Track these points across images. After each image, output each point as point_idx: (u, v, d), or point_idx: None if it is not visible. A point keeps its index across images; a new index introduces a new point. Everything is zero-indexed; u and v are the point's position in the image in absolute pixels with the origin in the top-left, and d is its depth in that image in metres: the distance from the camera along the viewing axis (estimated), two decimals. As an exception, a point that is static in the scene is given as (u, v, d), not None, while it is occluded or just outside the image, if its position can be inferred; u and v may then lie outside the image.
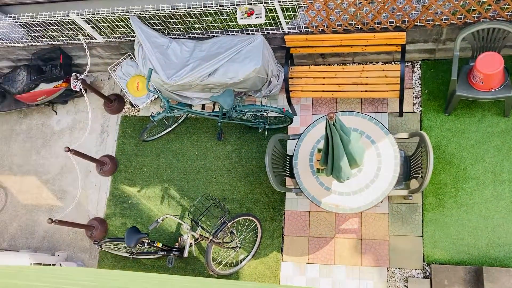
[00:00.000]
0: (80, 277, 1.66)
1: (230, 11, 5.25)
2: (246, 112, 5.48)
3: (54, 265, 5.65)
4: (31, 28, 5.90)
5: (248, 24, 5.34)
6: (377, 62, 5.82)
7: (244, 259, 5.46)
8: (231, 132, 6.02)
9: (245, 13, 4.91)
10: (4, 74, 6.31)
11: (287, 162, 5.23)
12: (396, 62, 5.77)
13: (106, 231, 5.98)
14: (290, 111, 5.72)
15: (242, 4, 4.89)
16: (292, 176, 5.09)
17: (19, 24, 5.89)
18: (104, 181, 6.22)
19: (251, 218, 5.31)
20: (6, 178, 6.59)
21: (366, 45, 5.26)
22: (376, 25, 5.09)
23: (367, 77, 5.36)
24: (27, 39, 6.12)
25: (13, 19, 5.61)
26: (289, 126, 5.85)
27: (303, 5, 5.07)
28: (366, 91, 5.30)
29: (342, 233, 5.32)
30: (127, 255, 5.54)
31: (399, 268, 5.08)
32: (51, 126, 6.71)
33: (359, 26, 5.17)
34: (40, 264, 5.59)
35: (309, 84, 5.47)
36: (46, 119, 6.76)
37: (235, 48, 5.19)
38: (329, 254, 5.28)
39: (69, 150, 5.32)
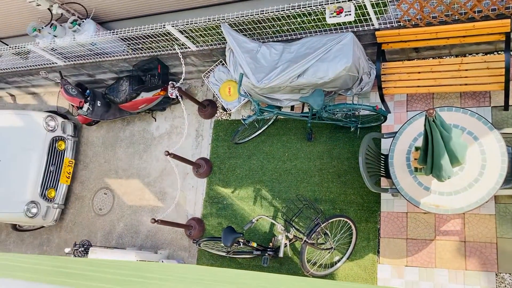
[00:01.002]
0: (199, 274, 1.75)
1: (318, 11, 5.23)
2: (337, 111, 5.41)
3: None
4: (131, 41, 6.35)
5: (337, 23, 5.27)
6: (477, 53, 5.44)
7: (339, 260, 5.39)
8: (321, 132, 5.99)
9: (334, 11, 4.86)
10: (109, 86, 6.85)
11: (382, 162, 5.08)
12: (499, 52, 5.35)
13: (203, 231, 6.24)
14: (383, 108, 5.55)
15: (331, 3, 4.85)
16: (387, 176, 4.93)
17: (121, 39, 6.37)
18: (200, 182, 6.50)
19: (345, 219, 5.23)
20: (113, 181, 7.15)
21: (464, 36, 4.95)
22: (476, 14, 4.76)
23: (466, 70, 5.03)
24: (128, 52, 6.60)
25: (115, 34, 6.08)
26: (382, 125, 5.67)
27: (394, -1, 4.90)
28: (466, 84, 4.98)
29: (442, 235, 5.05)
30: (224, 254, 5.74)
31: (510, 274, 4.69)
32: (151, 132, 7.16)
33: (456, 17, 4.87)
34: (145, 261, 5.98)
35: (403, 80, 5.26)
36: (146, 125, 7.23)
37: (324, 48, 5.16)
38: (429, 256, 5.03)
39: (169, 154, 5.63)
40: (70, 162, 7.30)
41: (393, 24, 5.13)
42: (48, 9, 6.43)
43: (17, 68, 7.42)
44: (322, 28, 5.45)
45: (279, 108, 6.02)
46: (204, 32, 5.84)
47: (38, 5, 6.22)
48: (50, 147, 7.08)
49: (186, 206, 6.49)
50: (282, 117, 6.17)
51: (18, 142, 7.00)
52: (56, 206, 7.06)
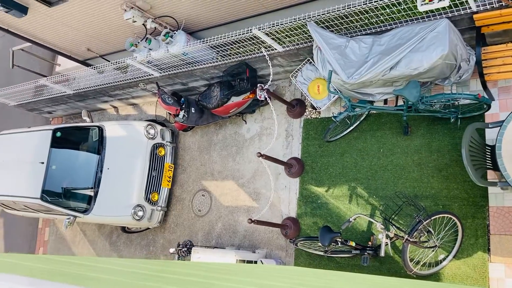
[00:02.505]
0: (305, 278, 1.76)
1: (408, 0, 5.00)
2: (434, 102, 5.14)
3: (256, 262, 6.15)
4: (220, 48, 6.56)
5: (429, 10, 5.00)
6: None
7: (444, 259, 5.11)
8: (418, 125, 5.72)
9: (426, -2, 4.61)
10: (201, 93, 7.14)
11: (488, 153, 4.73)
12: None
13: (299, 230, 6.26)
14: (486, 96, 5.16)
15: (422, -10, 4.61)
16: (495, 168, 4.58)
17: (210, 47, 6.60)
18: (293, 182, 6.53)
19: (450, 215, 4.95)
20: (209, 183, 7.44)
21: None
22: None
23: None
24: (217, 59, 6.82)
25: (205, 43, 6.32)
26: (486, 113, 5.28)
27: (494, -23, 4.53)
28: None
29: None
30: (321, 253, 5.71)
31: None
32: (242, 135, 7.34)
33: None
34: (244, 261, 6.15)
35: (508, 64, 4.86)
36: (237, 128, 7.43)
37: (417, 37, 4.92)
38: (550, 255, 4.59)
39: (261, 155, 5.73)
40: (170, 166, 7.73)
41: (493, 5, 4.75)
42: (143, 24, 6.85)
43: (118, 81, 8.01)
44: (414, 16, 5.20)
45: (372, 102, 5.85)
46: (290, 32, 5.86)
47: (134, 22, 6.66)
48: (152, 154, 7.55)
49: (281, 206, 6.55)
50: (375, 112, 5.99)
51: (123, 151, 7.56)
52: (159, 208, 7.52)
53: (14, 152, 8.21)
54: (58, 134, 7.86)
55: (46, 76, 9.06)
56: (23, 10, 6.93)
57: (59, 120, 10.14)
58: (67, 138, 7.88)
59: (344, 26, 5.59)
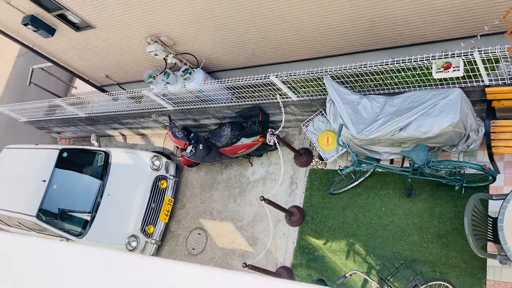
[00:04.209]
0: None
1: (423, 66, 5.17)
2: (440, 168, 5.20)
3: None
4: (236, 90, 6.72)
5: (443, 78, 5.16)
6: None
7: (437, 328, 5.00)
8: (422, 188, 5.75)
9: (442, 67, 4.78)
10: (212, 130, 7.24)
11: (489, 225, 4.73)
12: None
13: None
14: (492, 168, 5.23)
15: (438, 58, 4.79)
16: (496, 241, 4.57)
17: (227, 87, 6.76)
18: (292, 231, 6.49)
19: (446, 284, 4.88)
20: (207, 222, 7.39)
21: None
22: None
23: None
24: (232, 100, 6.97)
25: (222, 83, 6.49)
26: (490, 185, 5.32)
27: (508, 56, 4.70)
28: None
29: None
30: (313, 307, 5.59)
31: None
32: (247, 177, 7.37)
33: None
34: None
35: (515, 139, 4.95)
36: (243, 170, 7.47)
37: (429, 102, 5.05)
38: (546, 337, 4.49)
39: (264, 199, 5.74)
40: (170, 200, 7.71)
41: (506, 81, 4.90)
42: (164, 58, 7.06)
43: (131, 110, 8.14)
44: (427, 82, 5.36)
45: (378, 160, 5.92)
46: (306, 83, 6.02)
47: (156, 55, 6.87)
48: (154, 185, 7.56)
49: (277, 254, 6.48)
50: (380, 170, 6.04)
51: (126, 178, 7.57)
52: (153, 242, 7.44)
53: (18, 167, 8.23)
54: (65, 154, 7.91)
55: (60, 97, 9.23)
56: (51, 31, 7.17)
57: (67, 141, 10.22)
58: (73, 160, 7.92)
59: (358, 84, 5.75)
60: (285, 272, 6.16)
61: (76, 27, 7.05)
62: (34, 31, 7.12)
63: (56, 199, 7.55)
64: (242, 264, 5.53)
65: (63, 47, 7.78)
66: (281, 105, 6.34)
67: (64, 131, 9.86)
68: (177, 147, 7.59)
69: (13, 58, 12.15)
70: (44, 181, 7.65)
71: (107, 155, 7.77)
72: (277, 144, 6.39)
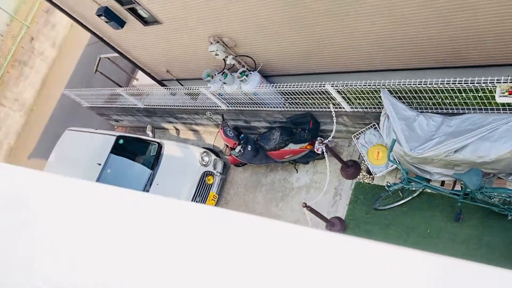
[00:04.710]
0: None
1: (486, 88, 5.01)
2: (494, 195, 5.00)
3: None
4: (290, 96, 6.78)
5: (506, 103, 4.98)
6: None
7: None
8: (471, 214, 5.55)
9: (506, 91, 4.62)
10: (262, 133, 7.34)
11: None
12: None
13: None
14: (550, 201, 4.97)
15: (503, 82, 4.63)
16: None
17: (281, 92, 6.84)
18: (331, 241, 6.44)
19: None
20: (248, 222, 7.47)
21: None
22: None
23: None
24: (285, 105, 7.04)
25: (277, 87, 6.57)
26: (547, 219, 5.06)
27: None
28: None
29: None
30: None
31: None
32: (291, 182, 7.40)
33: None
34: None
35: None
36: (287, 175, 7.51)
37: (489, 126, 4.89)
38: None
39: (306, 206, 5.75)
40: (214, 196, 7.88)
41: None
42: (223, 59, 7.24)
43: (186, 106, 8.40)
44: (489, 106, 5.19)
45: (428, 180, 5.77)
46: (361, 95, 5.98)
47: (216, 55, 7.06)
48: (201, 180, 7.75)
49: (314, 262, 6.45)
50: (429, 190, 5.89)
51: (175, 170, 7.81)
52: (194, 235, 7.61)
53: (77, 149, 8.69)
54: (121, 141, 8.27)
55: (122, 87, 9.66)
56: (121, 23, 7.54)
57: (123, 129, 10.66)
58: (128, 147, 8.27)
59: (416, 101, 5.65)
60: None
61: (144, 21, 7.38)
62: (106, 22, 7.51)
63: (108, 183, 7.89)
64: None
65: (130, 39, 8.16)
66: (334, 115, 6.33)
67: (122, 119, 10.30)
68: (227, 146, 7.74)
69: (83, 46, 12.85)
70: (99, 164, 8.03)
71: (160, 146, 8.05)
72: (325, 153, 6.38)
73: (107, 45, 8.58)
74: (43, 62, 14.33)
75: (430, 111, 5.65)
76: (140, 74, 10.08)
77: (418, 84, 5.23)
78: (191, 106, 8.32)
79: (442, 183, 5.87)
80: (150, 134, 8.51)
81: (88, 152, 8.43)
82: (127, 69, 10.34)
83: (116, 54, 8.90)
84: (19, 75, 14.18)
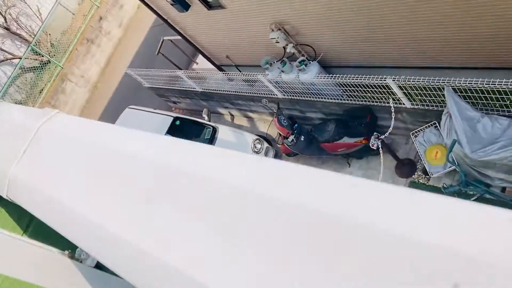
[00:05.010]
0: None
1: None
2: (560, 207, 4.70)
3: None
4: (348, 88, 6.66)
5: None
6: None
7: None
8: (533, 225, 5.25)
9: None
10: (316, 124, 7.28)
11: None
12: None
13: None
14: None
15: None
16: None
17: (339, 84, 6.74)
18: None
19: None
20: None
21: None
22: None
23: None
24: (342, 97, 6.93)
25: (335, 78, 6.47)
26: None
27: None
28: None
29: None
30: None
31: None
32: (343, 176, 7.30)
33: None
34: None
35: None
36: (339, 169, 7.42)
37: (562, 133, 4.58)
38: None
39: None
40: (263, 184, 7.93)
41: None
42: (283, 47, 7.22)
43: (243, 92, 8.47)
44: None
45: (488, 186, 5.51)
46: (424, 92, 5.78)
47: (277, 42, 7.05)
48: (251, 166, 7.82)
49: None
50: (488, 196, 5.62)
51: (227, 155, 7.93)
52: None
53: (135, 126, 9.01)
54: (177, 122, 8.49)
55: (182, 69, 9.89)
56: (186, 6, 7.70)
57: (180, 111, 10.94)
58: (183, 129, 8.48)
59: (482, 101, 5.39)
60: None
61: (208, 5, 7.48)
62: (172, 4, 7.69)
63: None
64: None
65: (194, 23, 8.31)
66: (393, 110, 6.16)
67: (180, 101, 10.56)
68: (280, 135, 7.75)
69: (148, 28, 13.25)
70: (155, 143, 8.30)
71: (214, 130, 8.19)
72: (380, 149, 6.23)
73: (171, 28, 8.79)
74: (109, 41, 14.93)
75: (496, 113, 5.37)
76: (200, 58, 10.27)
77: (486, 84, 4.98)
78: (248, 92, 8.39)
79: (503, 189, 5.59)
80: (206, 117, 8.67)
81: (145, 130, 8.71)
82: (188, 52, 10.55)
83: (178, 37, 9.11)
84: (86, 52, 14.87)
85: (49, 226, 1.77)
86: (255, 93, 8.21)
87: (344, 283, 0.99)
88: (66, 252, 1.77)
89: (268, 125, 8.87)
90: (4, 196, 1.72)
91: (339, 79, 6.38)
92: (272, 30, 7.08)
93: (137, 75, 10.37)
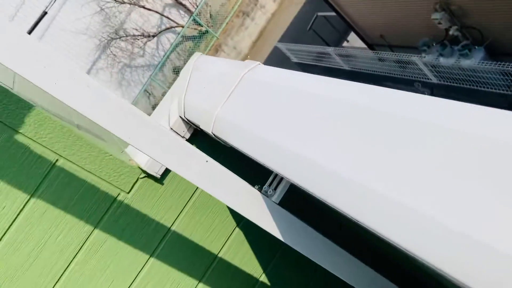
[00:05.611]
0: None
1: None
2: None
3: None
4: (517, 79, 5.98)
5: None
6: None
7: None
8: None
9: None
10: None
11: None
12: None
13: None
14: None
15: None
16: None
17: (505, 73, 6.07)
18: None
19: None
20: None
21: None
22: None
23: None
24: (509, 89, 6.25)
25: (502, 66, 5.85)
26: None
27: None
28: None
29: None
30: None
31: None
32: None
33: None
34: None
35: None
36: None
37: None
38: None
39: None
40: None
41: None
42: (445, 29, 6.71)
43: (394, 74, 8.14)
44: None
45: None
46: None
47: (439, 24, 6.59)
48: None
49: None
50: None
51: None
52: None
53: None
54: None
55: (331, 46, 9.84)
56: (345, -18, 7.57)
57: (324, 88, 10.94)
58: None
59: None
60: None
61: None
62: (331, -20, 7.64)
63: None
64: None
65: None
66: None
67: (325, 79, 10.55)
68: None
69: (302, 3, 13.39)
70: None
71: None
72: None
73: (326, 3, 8.75)
74: (263, 15, 15.46)
75: None
76: (351, 36, 10.08)
77: None
78: (398, 74, 8.03)
79: None
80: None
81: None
82: (340, 29, 10.43)
83: (333, 13, 9.04)
84: (240, 25, 15.63)
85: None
86: (406, 75, 7.83)
87: None
88: (256, 186, 1.99)
89: (416, 111, 8.42)
90: (210, 133, 1.96)
91: (506, 67, 5.75)
92: (436, 10, 6.62)
93: (286, 49, 10.60)
